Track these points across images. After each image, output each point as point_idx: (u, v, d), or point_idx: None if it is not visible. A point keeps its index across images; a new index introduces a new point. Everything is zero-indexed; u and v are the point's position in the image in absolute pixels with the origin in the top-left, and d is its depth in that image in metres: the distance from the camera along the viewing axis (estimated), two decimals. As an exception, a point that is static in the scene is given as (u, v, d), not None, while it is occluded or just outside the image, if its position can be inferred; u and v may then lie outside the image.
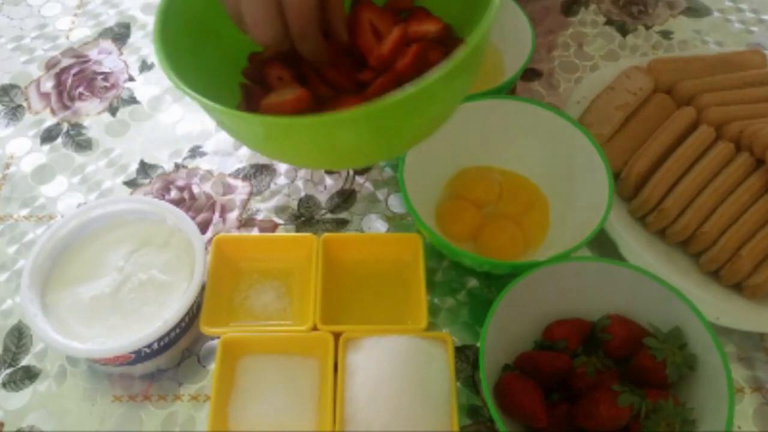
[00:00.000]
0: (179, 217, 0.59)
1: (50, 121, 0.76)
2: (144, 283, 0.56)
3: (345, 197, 0.69)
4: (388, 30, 0.49)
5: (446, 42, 0.51)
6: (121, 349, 0.52)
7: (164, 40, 0.46)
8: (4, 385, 0.57)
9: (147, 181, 0.71)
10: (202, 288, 0.57)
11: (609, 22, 0.86)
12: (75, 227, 0.58)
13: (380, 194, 0.70)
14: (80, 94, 0.78)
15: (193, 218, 0.66)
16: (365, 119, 0.40)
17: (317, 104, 0.47)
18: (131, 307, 0.55)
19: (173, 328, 0.54)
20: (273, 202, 0.69)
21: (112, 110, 0.77)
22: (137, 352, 0.53)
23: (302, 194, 0.70)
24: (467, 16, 0.51)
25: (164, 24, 0.47)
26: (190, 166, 0.72)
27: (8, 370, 0.58)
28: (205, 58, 0.50)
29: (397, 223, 0.68)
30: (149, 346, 0.53)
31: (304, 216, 0.68)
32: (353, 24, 0.50)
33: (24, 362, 0.59)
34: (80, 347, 0.52)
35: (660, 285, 0.53)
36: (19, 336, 0.60)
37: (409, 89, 0.38)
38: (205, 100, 0.41)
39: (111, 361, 0.53)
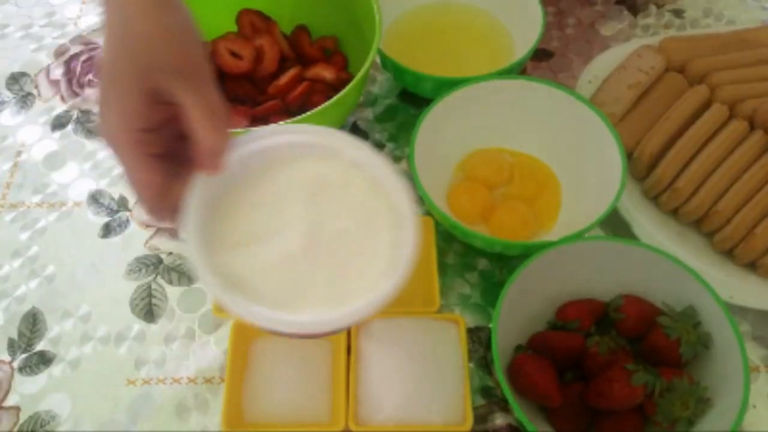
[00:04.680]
0: (360, 149, 0.45)
1: (60, 108, 0.76)
2: (340, 232, 0.43)
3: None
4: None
5: (338, 87, 0.62)
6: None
7: None
8: (20, 370, 0.58)
9: (157, 166, 0.71)
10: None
11: (620, 1, 0.85)
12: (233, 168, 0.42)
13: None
14: (90, 81, 0.78)
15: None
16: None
17: None
18: (334, 263, 0.43)
19: None
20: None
21: (122, 97, 0.77)
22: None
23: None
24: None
25: None
26: (200, 152, 0.72)
27: (23, 355, 0.59)
28: None
29: (407, 205, 0.67)
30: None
31: (315, 200, 0.68)
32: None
33: (39, 347, 0.59)
34: (300, 320, 0.40)
35: (673, 264, 0.53)
36: (34, 321, 0.60)
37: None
38: None
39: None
